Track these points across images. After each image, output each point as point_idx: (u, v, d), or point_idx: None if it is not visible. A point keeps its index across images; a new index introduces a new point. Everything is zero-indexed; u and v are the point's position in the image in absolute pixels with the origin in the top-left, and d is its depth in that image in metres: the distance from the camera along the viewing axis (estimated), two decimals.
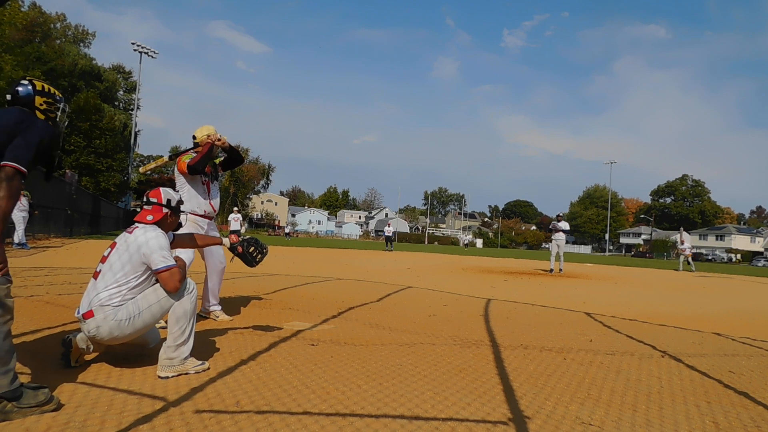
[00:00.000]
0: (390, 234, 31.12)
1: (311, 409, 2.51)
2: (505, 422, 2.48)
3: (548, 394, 2.99)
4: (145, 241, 3.01)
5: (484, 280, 11.82)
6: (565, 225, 15.59)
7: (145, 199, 3.30)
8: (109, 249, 3.10)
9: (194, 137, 4.76)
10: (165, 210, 3.26)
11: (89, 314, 2.89)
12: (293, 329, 4.50)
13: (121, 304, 2.92)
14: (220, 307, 4.93)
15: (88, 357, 3.14)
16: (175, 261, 3.07)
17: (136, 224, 3.16)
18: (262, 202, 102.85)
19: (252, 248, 3.81)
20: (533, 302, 7.61)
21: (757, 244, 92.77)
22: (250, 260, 3.80)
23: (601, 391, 3.10)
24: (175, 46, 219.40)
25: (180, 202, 3.42)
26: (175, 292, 3.02)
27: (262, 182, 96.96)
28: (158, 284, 3.04)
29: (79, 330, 3.07)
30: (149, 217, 3.19)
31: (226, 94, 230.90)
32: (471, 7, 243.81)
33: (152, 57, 46.97)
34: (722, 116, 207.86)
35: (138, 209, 3.36)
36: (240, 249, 3.78)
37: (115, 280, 2.94)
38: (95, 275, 3.02)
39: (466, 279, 12.12)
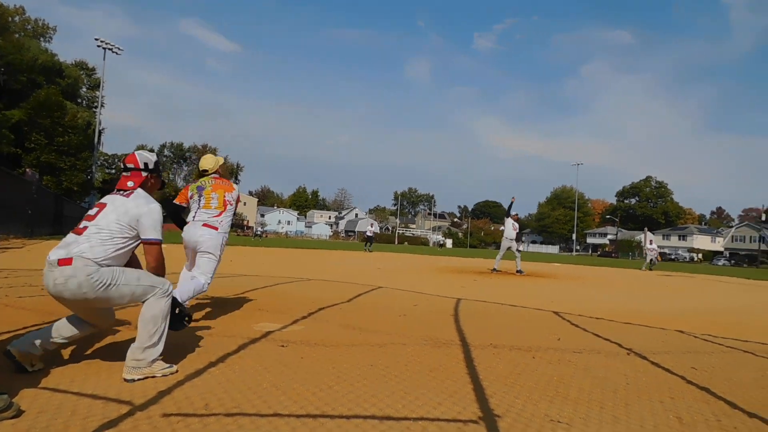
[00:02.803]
0: (371, 234, 31.20)
1: (282, 411, 2.48)
2: (475, 421, 2.50)
3: (518, 392, 3.02)
4: (147, 211, 3.02)
5: (454, 280, 11.89)
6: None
7: (122, 166, 3.26)
8: (97, 209, 3.04)
9: (205, 170, 5.16)
10: (144, 174, 3.23)
11: (67, 261, 2.77)
12: (263, 330, 4.45)
13: (104, 265, 2.84)
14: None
15: (40, 363, 2.99)
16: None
17: (125, 191, 3.14)
18: None
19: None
20: (502, 302, 7.68)
21: (717, 244, 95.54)
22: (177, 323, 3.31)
23: (570, 389, 3.14)
24: (145, 43, 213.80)
25: (158, 163, 3.38)
26: (155, 267, 3.03)
27: (231, 182, 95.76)
28: (143, 272, 3.01)
29: (13, 339, 2.98)
30: (130, 183, 3.16)
31: (196, 92, 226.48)
32: (442, 9, 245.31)
33: (117, 54, 45.78)
34: (685, 120, 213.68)
35: None
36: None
37: (101, 235, 2.89)
38: (78, 231, 2.94)
39: (436, 279, 12.18)
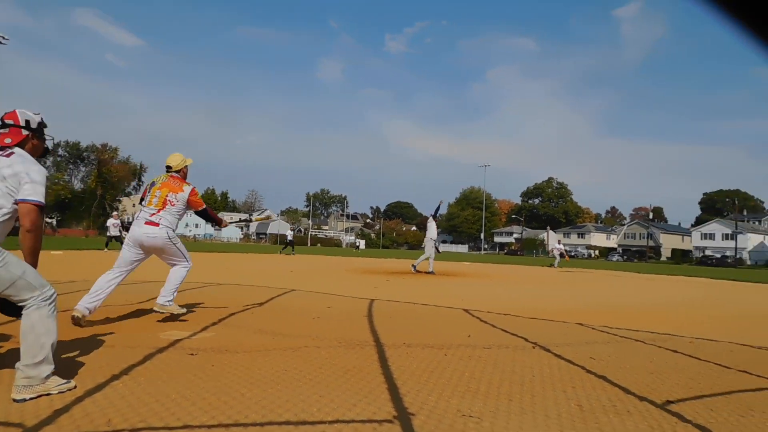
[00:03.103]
0: (292, 239, 31.50)
1: (192, 422, 2.38)
2: (390, 420, 2.52)
3: (431, 389, 3.09)
4: (28, 173, 2.76)
5: (367, 281, 11.97)
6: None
7: (0, 123, 2.98)
8: None
9: (169, 167, 5.20)
10: (25, 132, 2.97)
11: None
12: (170, 339, 4.26)
13: None
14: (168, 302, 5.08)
15: None
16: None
17: (10, 150, 2.87)
18: (134, 205, 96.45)
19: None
20: (414, 301, 7.82)
21: (611, 241, 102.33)
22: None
23: (480, 384, 3.25)
24: (35, 32, 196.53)
25: (42, 124, 3.11)
26: (30, 231, 2.75)
27: (134, 183, 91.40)
28: (31, 267, 2.75)
29: None
30: (7, 140, 2.89)
31: (94, 89, 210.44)
32: (354, 10, 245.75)
33: (1, 43, 42.14)
34: (582, 124, 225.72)
35: None
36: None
37: None
38: None
39: (349, 280, 12.20)
